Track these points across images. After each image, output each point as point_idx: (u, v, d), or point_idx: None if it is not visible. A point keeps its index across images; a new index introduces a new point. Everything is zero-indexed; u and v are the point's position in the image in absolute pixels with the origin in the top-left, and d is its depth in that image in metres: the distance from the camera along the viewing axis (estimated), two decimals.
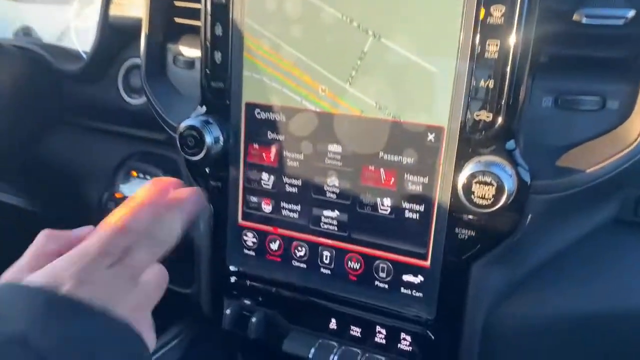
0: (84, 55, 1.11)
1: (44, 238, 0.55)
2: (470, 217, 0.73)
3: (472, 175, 0.68)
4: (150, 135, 1.07)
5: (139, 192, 0.60)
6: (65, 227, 0.57)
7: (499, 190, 0.67)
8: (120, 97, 1.09)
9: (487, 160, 0.69)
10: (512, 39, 0.67)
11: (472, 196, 0.69)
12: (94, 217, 1.13)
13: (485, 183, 0.68)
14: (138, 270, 0.53)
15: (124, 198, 1.06)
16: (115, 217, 0.55)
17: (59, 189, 1.17)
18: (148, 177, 1.05)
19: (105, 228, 0.54)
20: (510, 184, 0.67)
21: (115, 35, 1.06)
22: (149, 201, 0.58)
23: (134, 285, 0.54)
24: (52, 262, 0.50)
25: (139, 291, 0.55)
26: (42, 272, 0.49)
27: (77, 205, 1.12)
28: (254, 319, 0.89)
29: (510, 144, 0.70)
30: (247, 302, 0.91)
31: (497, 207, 0.68)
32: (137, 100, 1.07)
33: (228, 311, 0.91)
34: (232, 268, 0.92)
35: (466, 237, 0.74)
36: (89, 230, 0.57)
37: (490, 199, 0.68)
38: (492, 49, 0.68)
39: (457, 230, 0.74)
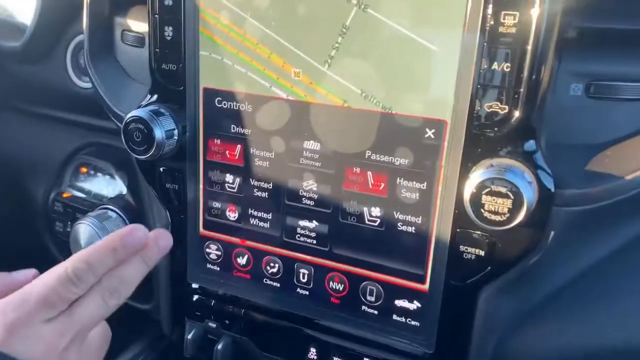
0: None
1: None
2: (479, 233, 0.59)
3: (482, 185, 0.54)
4: (102, 123, 0.91)
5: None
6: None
7: (517, 203, 0.53)
8: (69, 79, 0.93)
9: (501, 164, 0.55)
10: (535, 10, 0.52)
11: (482, 210, 0.55)
12: (39, 220, 0.99)
13: (499, 194, 0.53)
14: (83, 328, 0.48)
15: (73, 198, 0.92)
16: (66, 263, 0.48)
17: None
18: (99, 174, 0.90)
19: (52, 274, 0.47)
20: (530, 195, 0.53)
21: (59, 5, 0.90)
22: (110, 246, 0.50)
23: (75, 344, 0.48)
24: None
25: (81, 352, 0.49)
26: None
27: (19, 205, 0.97)
28: (219, 346, 0.75)
29: (530, 145, 0.55)
30: (212, 325, 0.77)
31: (513, 224, 0.54)
32: (88, 84, 0.92)
33: (190, 336, 0.77)
34: (193, 285, 0.77)
35: (473, 257, 0.60)
36: (32, 274, 0.52)
37: (504, 215, 0.54)
38: (509, 21, 0.53)
39: (462, 248, 0.60)
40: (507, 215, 0.54)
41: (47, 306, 0.46)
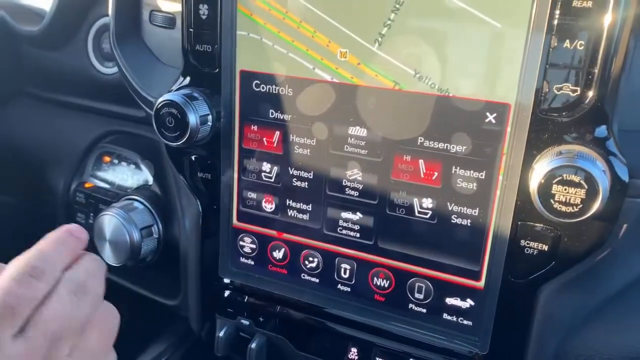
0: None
1: None
2: (543, 226, 0.54)
3: (553, 173, 0.49)
4: (127, 111, 0.88)
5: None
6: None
7: (591, 193, 0.48)
8: (91, 64, 0.89)
9: (572, 151, 0.50)
10: None
11: (552, 201, 0.50)
12: (60, 212, 0.95)
13: (572, 184, 0.49)
14: (56, 336, 0.39)
15: (95, 189, 0.88)
16: (14, 261, 0.42)
17: (17, 174, 0.98)
18: (124, 163, 0.86)
19: (3, 276, 0.40)
20: (605, 184, 0.48)
21: None
22: (55, 239, 0.44)
23: (58, 354, 0.39)
24: None
25: (74, 355, 0.41)
26: None
27: (39, 197, 0.93)
28: (253, 345, 0.71)
29: (602, 131, 0.51)
30: (245, 322, 0.73)
31: (585, 216, 0.49)
32: (111, 69, 0.88)
33: (222, 333, 0.73)
34: (225, 280, 0.73)
35: (535, 252, 0.55)
36: None
37: (577, 206, 0.49)
38: None
39: (523, 243, 0.56)
40: (580, 206, 0.49)
41: (9, 314, 0.38)
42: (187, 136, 0.64)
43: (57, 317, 0.40)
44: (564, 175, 0.49)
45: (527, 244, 0.55)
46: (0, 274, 0.40)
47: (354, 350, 0.67)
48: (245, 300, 0.72)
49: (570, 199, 0.49)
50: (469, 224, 0.58)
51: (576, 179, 0.49)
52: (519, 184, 0.54)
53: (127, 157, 0.86)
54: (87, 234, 0.48)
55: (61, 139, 0.94)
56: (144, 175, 0.85)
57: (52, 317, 0.39)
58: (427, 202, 0.59)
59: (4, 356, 0.37)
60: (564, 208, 0.50)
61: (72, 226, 0.47)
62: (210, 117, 0.66)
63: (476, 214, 0.57)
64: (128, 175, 0.86)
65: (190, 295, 0.77)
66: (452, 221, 0.58)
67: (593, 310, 0.59)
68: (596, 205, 0.48)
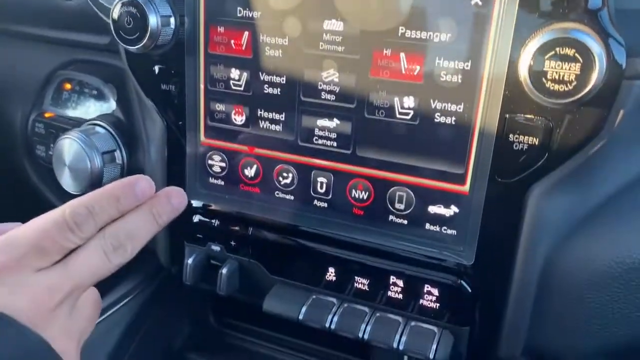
0: None
1: None
2: (532, 117, 0.50)
3: (545, 48, 0.45)
4: (89, 39, 0.81)
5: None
6: None
7: (586, 67, 0.44)
8: None
9: (565, 28, 0.46)
10: None
11: (544, 79, 0.46)
12: (18, 146, 0.89)
13: (566, 58, 0.45)
14: (78, 285, 0.41)
15: (56, 118, 0.82)
16: (63, 207, 0.41)
17: None
18: (85, 90, 0.80)
19: (46, 218, 0.40)
20: (600, 57, 0.44)
21: None
22: (112, 193, 0.43)
23: (67, 304, 0.40)
24: None
25: (72, 317, 0.41)
26: None
27: None
28: (224, 270, 0.66)
29: (595, 2, 0.46)
30: (216, 248, 0.68)
31: (581, 94, 0.45)
32: None
33: (190, 260, 0.68)
34: (194, 203, 0.68)
35: (525, 147, 0.51)
36: (16, 225, 0.44)
37: (571, 83, 0.45)
38: None
39: (511, 138, 0.51)
40: (575, 83, 0.45)
41: (39, 253, 0.39)
42: (147, 38, 0.59)
43: (82, 269, 0.40)
44: (557, 49, 0.45)
45: (516, 138, 0.51)
46: (49, 213, 0.41)
47: (331, 270, 0.63)
48: (215, 224, 0.68)
49: (564, 76, 0.45)
50: (453, 122, 0.54)
51: (570, 52, 0.44)
52: (507, 72, 0.50)
53: (88, 83, 0.80)
54: (152, 188, 0.46)
55: (19, 70, 0.87)
56: (107, 103, 0.79)
57: (77, 267, 0.40)
58: (409, 101, 0.55)
59: (22, 283, 0.38)
60: (557, 87, 0.46)
61: (137, 179, 0.45)
62: (172, 20, 0.60)
63: (461, 110, 0.53)
64: (90, 102, 0.80)
65: None
66: (436, 120, 0.54)
67: (586, 214, 0.55)
68: (592, 81, 0.45)
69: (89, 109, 0.80)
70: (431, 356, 0.57)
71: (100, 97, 0.79)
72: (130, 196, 0.44)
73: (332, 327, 0.61)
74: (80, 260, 0.41)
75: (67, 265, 0.40)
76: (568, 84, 0.45)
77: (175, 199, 0.47)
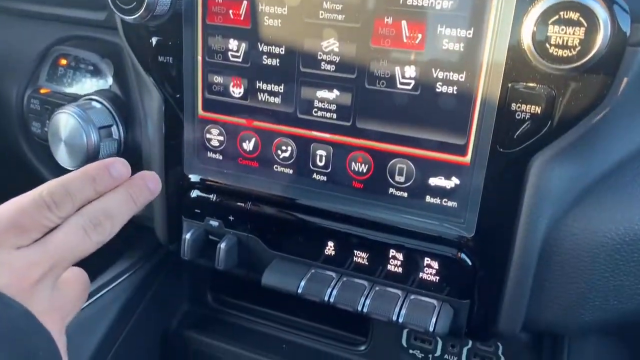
0: None
1: None
2: (535, 85, 0.49)
3: (549, 12, 0.44)
4: (85, 14, 0.80)
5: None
6: None
7: (590, 31, 0.44)
8: None
9: None
10: None
11: (548, 45, 0.45)
12: (13, 123, 0.88)
13: (569, 22, 0.44)
14: (58, 261, 0.41)
15: (52, 94, 0.81)
16: (40, 187, 0.42)
17: None
18: (82, 65, 0.79)
19: (24, 197, 0.41)
20: (605, 20, 0.44)
21: None
22: (88, 173, 0.44)
23: (48, 279, 0.40)
24: None
25: (54, 294, 0.41)
26: None
27: None
28: (222, 245, 0.66)
29: None
30: (214, 223, 0.67)
31: (584, 60, 0.45)
32: None
33: (188, 236, 0.68)
34: (192, 178, 0.68)
35: (527, 116, 0.51)
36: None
37: (575, 48, 0.45)
38: None
39: (514, 107, 0.51)
40: (579, 48, 0.44)
41: (17, 230, 0.39)
42: (143, 8, 0.58)
43: (61, 246, 0.40)
44: (562, 13, 0.44)
45: (519, 107, 0.51)
46: (27, 193, 0.41)
47: (330, 244, 0.62)
48: (214, 199, 0.67)
49: (567, 41, 0.45)
50: (454, 92, 0.53)
51: (575, 16, 0.44)
52: (509, 39, 0.49)
53: (84, 58, 0.79)
54: (128, 171, 0.47)
55: (14, 47, 0.86)
56: (103, 79, 0.78)
57: (56, 244, 0.40)
58: (410, 71, 0.54)
59: (2, 260, 0.38)
60: (561, 52, 0.45)
61: (113, 161, 0.46)
62: None
63: (463, 79, 0.52)
64: (86, 78, 0.79)
65: (155, 200, 0.71)
66: (437, 90, 0.53)
67: (588, 185, 0.55)
68: (596, 46, 0.44)
69: (85, 85, 0.79)
70: (431, 329, 0.56)
71: (96, 72, 0.78)
72: (106, 177, 0.45)
73: (331, 300, 0.60)
74: (59, 238, 0.41)
75: (46, 242, 0.40)
76: (572, 49, 0.45)
77: (150, 182, 0.48)
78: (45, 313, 0.39)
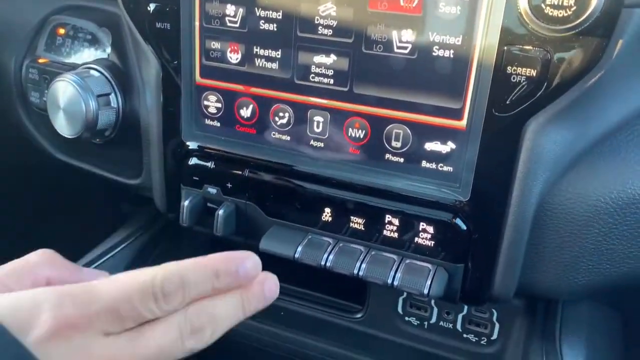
0: None
1: (39, 258, 0.42)
2: (531, 48, 0.50)
3: None
4: None
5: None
6: None
7: None
8: None
9: None
10: None
11: (543, 5, 0.45)
12: (13, 90, 0.88)
13: None
14: (144, 353, 0.36)
15: (50, 64, 0.81)
16: (156, 270, 0.38)
17: None
18: (80, 35, 0.79)
19: (134, 280, 0.37)
20: None
21: None
22: (213, 267, 0.39)
23: None
24: (37, 289, 0.36)
25: None
26: (17, 297, 0.35)
27: None
28: (220, 211, 0.66)
29: None
30: (212, 190, 0.68)
31: (580, 20, 0.45)
32: None
33: (187, 203, 0.68)
34: (189, 145, 0.68)
35: (523, 79, 0.51)
36: (101, 275, 0.44)
37: (570, 8, 0.45)
38: None
39: (509, 70, 0.51)
40: (574, 8, 0.45)
41: (114, 317, 0.36)
42: None
43: (151, 346, 0.37)
44: None
45: (514, 70, 0.51)
46: (138, 274, 0.37)
47: (327, 210, 0.63)
48: (211, 166, 0.67)
49: (563, 1, 0.45)
50: (451, 55, 0.53)
51: None
52: (505, 2, 0.49)
53: (82, 27, 0.79)
54: (257, 273, 0.41)
55: (12, 16, 0.86)
56: (101, 48, 0.78)
57: (145, 343, 0.37)
58: (407, 35, 0.54)
59: (85, 345, 0.35)
60: (556, 12, 0.45)
61: (244, 258, 0.41)
62: None
63: (459, 42, 0.52)
64: (84, 47, 0.79)
65: (154, 169, 0.72)
66: (434, 54, 0.54)
67: (583, 149, 0.55)
68: (592, 5, 0.44)
69: (83, 54, 0.79)
70: (425, 291, 0.57)
71: (94, 42, 0.78)
72: (231, 276, 0.40)
73: (328, 264, 0.61)
74: (152, 335, 0.37)
75: (137, 338, 0.37)
76: (567, 9, 0.45)
77: (268, 287, 0.42)
78: None
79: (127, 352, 0.36)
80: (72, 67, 0.77)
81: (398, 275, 0.59)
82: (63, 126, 0.72)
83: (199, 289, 0.38)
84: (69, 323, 0.34)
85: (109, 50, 0.76)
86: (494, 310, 0.71)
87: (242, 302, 0.41)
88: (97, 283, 0.37)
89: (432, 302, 0.73)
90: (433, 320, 0.74)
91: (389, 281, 0.59)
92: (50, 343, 0.33)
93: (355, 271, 0.60)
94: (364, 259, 0.61)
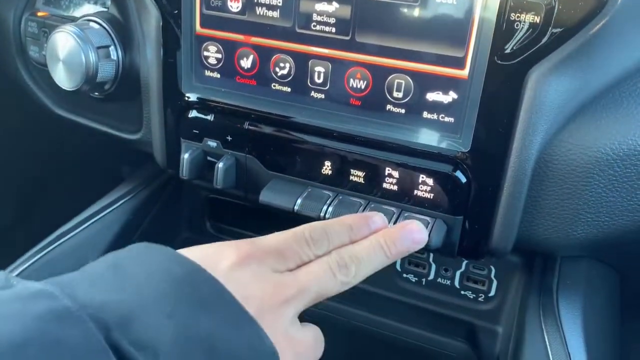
0: None
1: None
2: None
3: None
4: None
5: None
6: None
7: None
8: None
9: None
10: None
11: None
12: (12, 44, 0.88)
13: None
14: (304, 287, 0.43)
15: (49, 17, 0.80)
16: (302, 226, 0.48)
17: None
18: None
19: (287, 232, 0.47)
20: None
21: None
22: (346, 222, 0.50)
23: (292, 306, 0.43)
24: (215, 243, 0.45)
25: (295, 331, 0.43)
26: (202, 248, 0.43)
27: None
28: (220, 164, 0.66)
29: None
30: (212, 144, 0.68)
31: None
32: None
33: (186, 156, 0.68)
34: (189, 97, 0.68)
35: (526, 26, 0.50)
36: None
37: None
38: None
39: (512, 16, 0.51)
40: None
41: (279, 256, 0.44)
42: None
43: (310, 278, 0.44)
44: None
45: (517, 17, 0.50)
46: (291, 230, 0.47)
47: (328, 163, 0.63)
48: (211, 119, 0.67)
49: None
50: (454, 2, 0.52)
51: None
52: None
53: None
54: (385, 224, 0.51)
55: None
56: (101, 1, 0.77)
57: (305, 275, 0.44)
58: None
59: (262, 273, 0.42)
60: None
61: (372, 215, 0.51)
62: None
63: None
64: (84, 0, 0.78)
65: (154, 123, 0.72)
66: (437, 0, 0.53)
67: (585, 99, 0.55)
68: None
69: (83, 7, 0.78)
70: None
71: None
72: (363, 227, 0.49)
73: (327, 216, 0.61)
74: (310, 271, 0.44)
75: (299, 272, 0.44)
76: None
77: (417, 234, 0.51)
78: (282, 342, 0.41)
79: (292, 281, 0.43)
80: (72, 20, 0.76)
81: None
82: (63, 78, 0.71)
83: (340, 239, 0.47)
84: (248, 254, 0.42)
85: (108, 3, 0.75)
86: (491, 267, 0.71)
87: (380, 244, 0.48)
88: (260, 237, 0.45)
89: (430, 259, 0.74)
90: (431, 277, 0.75)
91: None
92: (234, 271, 0.41)
93: None
94: (363, 211, 0.61)
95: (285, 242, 0.45)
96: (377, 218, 0.51)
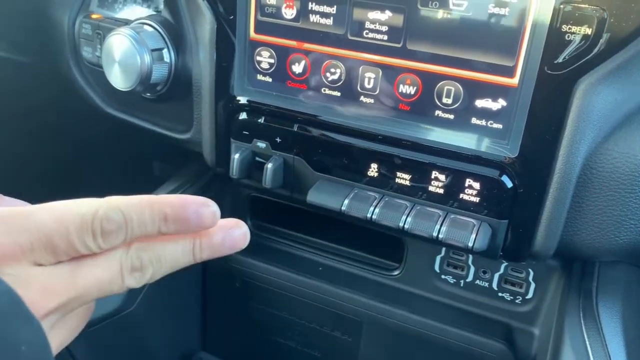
0: None
1: None
2: (587, 6, 0.51)
3: None
4: None
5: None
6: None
7: None
8: None
9: None
10: None
11: None
12: (67, 45, 0.91)
13: None
14: (80, 296, 0.34)
15: (103, 20, 0.83)
16: (99, 203, 0.35)
17: (17, 14, 0.93)
18: None
19: (74, 211, 0.34)
20: None
21: None
22: (162, 209, 0.36)
23: (57, 315, 0.34)
24: None
25: (56, 328, 0.35)
26: None
27: (44, 35, 0.89)
28: (269, 165, 0.69)
29: None
30: (262, 145, 0.70)
31: None
32: None
33: (237, 156, 0.71)
34: (241, 100, 0.70)
35: (578, 37, 0.52)
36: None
37: None
38: None
39: (564, 28, 0.52)
40: None
41: (47, 249, 0.33)
42: None
43: (88, 280, 0.34)
44: None
45: (569, 29, 0.52)
46: (78, 205, 0.34)
47: (374, 166, 0.65)
48: (262, 121, 0.70)
49: None
50: (506, 13, 0.54)
51: None
52: None
53: None
54: (214, 221, 0.38)
55: None
56: (154, 4, 0.80)
57: (84, 278, 0.34)
58: None
59: (18, 276, 0.32)
60: None
61: (200, 205, 0.37)
62: None
63: (515, 0, 0.53)
64: (137, 4, 0.81)
65: (204, 123, 0.75)
66: (489, 11, 0.55)
67: (632, 109, 0.56)
68: None
69: (136, 10, 0.81)
70: (470, 245, 0.59)
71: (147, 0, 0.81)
72: (182, 223, 0.36)
73: (374, 217, 0.63)
74: (91, 269, 0.35)
75: (76, 272, 0.34)
76: None
77: (233, 237, 0.39)
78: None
79: (63, 283, 0.34)
80: (125, 22, 0.79)
81: (443, 228, 0.61)
82: (118, 79, 0.74)
83: (144, 231, 0.36)
84: (5, 254, 0.32)
85: (161, 6, 0.78)
86: (530, 270, 0.73)
87: (192, 248, 0.38)
88: (33, 209, 0.33)
89: (470, 260, 0.75)
90: (469, 279, 0.76)
91: (434, 234, 0.61)
92: None
93: (401, 224, 0.62)
94: (409, 213, 0.63)
95: (63, 228, 0.33)
96: (206, 212, 0.37)
